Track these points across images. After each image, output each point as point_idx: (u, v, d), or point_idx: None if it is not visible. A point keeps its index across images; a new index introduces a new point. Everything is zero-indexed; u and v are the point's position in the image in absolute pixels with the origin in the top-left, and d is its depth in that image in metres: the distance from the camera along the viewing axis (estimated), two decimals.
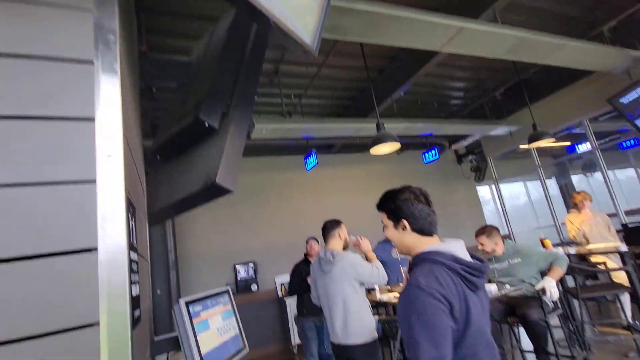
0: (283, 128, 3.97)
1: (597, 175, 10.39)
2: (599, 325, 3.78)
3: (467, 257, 1.04)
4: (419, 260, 1.05)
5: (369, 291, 2.82)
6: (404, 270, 3.32)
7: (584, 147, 7.63)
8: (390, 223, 1.17)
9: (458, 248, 1.05)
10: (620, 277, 3.49)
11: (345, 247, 2.36)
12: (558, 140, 8.19)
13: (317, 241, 3.56)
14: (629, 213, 5.18)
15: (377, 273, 2.18)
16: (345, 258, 2.18)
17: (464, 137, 6.31)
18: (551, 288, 2.42)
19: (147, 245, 1.70)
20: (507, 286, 2.35)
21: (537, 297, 2.47)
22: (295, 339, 5.11)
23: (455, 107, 6.24)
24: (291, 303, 5.20)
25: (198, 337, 1.36)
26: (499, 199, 6.70)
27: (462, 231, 7.42)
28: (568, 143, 8.43)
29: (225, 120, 1.53)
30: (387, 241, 3.88)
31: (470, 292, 0.96)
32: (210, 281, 5.30)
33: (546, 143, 4.08)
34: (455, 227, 7.45)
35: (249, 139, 4.51)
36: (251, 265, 5.52)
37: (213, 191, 1.41)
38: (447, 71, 4.79)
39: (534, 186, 10.42)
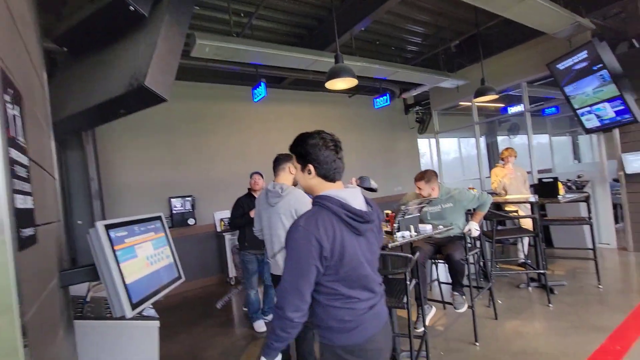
0: (230, 48, 3.49)
1: (519, 138, 11.62)
2: (502, 263, 4.43)
3: (358, 204, 1.12)
4: (313, 203, 1.13)
5: None
6: None
7: (516, 109, 8.30)
8: (298, 166, 1.22)
9: (350, 195, 1.12)
10: (526, 224, 4.03)
11: (295, 184, 2.26)
12: (493, 101, 8.78)
13: (262, 176, 3.45)
14: (539, 172, 5.88)
15: None
16: (293, 193, 2.09)
17: (415, 86, 6.34)
18: (474, 230, 2.72)
19: (52, 160, 1.38)
20: (441, 227, 2.50)
21: (462, 239, 2.72)
22: (232, 272, 5.18)
23: (410, 54, 6.14)
24: (230, 238, 5.16)
25: (121, 266, 1.18)
26: (437, 152, 7.10)
27: (400, 178, 7.87)
28: (502, 105, 9.08)
29: (159, 7, 1.19)
30: None
31: (354, 235, 1.09)
32: (142, 214, 4.92)
33: (489, 98, 4.26)
34: (395, 173, 7.85)
35: (190, 58, 3.93)
36: (188, 199, 5.23)
37: (141, 96, 1.13)
38: (409, 11, 4.57)
39: (465, 143, 11.30)
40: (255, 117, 5.99)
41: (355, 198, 1.13)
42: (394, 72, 4.81)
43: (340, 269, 1.06)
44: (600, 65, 4.11)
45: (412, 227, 2.26)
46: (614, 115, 4.30)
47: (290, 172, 2.22)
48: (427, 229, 2.34)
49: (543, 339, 2.58)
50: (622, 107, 4.16)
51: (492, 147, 10.86)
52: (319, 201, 1.11)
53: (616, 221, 4.93)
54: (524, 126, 5.64)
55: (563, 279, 3.74)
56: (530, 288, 3.61)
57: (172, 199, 5.09)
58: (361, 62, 4.35)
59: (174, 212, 5.10)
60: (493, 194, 4.45)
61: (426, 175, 2.85)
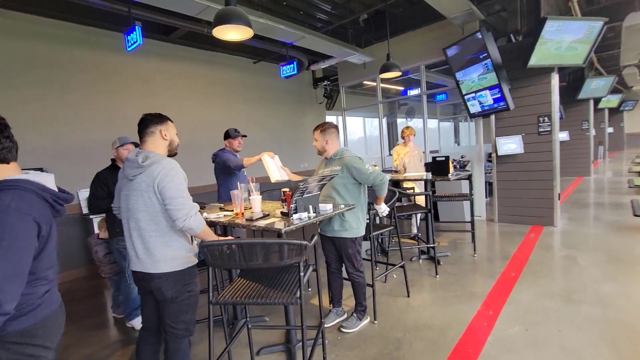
0: None
1: (414, 121, 12.70)
2: (395, 237, 4.66)
3: (55, 188, 1.14)
4: (3, 188, 1.03)
5: None
6: None
7: (414, 92, 8.86)
8: None
9: (48, 180, 1.14)
10: (420, 200, 4.26)
11: (171, 154, 1.73)
12: (395, 83, 9.24)
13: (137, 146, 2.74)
14: (430, 152, 6.39)
15: (184, 203, 1.56)
16: (159, 163, 1.57)
17: (323, 58, 6.09)
18: (385, 210, 2.55)
19: None
20: (328, 207, 2.17)
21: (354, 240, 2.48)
22: None
23: (319, 22, 5.82)
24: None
25: None
26: (343, 129, 7.10)
27: (307, 154, 7.70)
28: (402, 88, 9.63)
29: None
30: None
31: (53, 217, 1.13)
32: None
33: (393, 75, 4.26)
34: (301, 149, 7.63)
35: None
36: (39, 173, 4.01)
37: None
38: None
39: (369, 124, 11.81)
40: (135, 75, 4.91)
41: (52, 183, 1.14)
42: (301, 37, 4.41)
43: (45, 250, 1.09)
44: (485, 53, 4.46)
45: (311, 207, 1.99)
46: (492, 102, 4.78)
47: (162, 137, 1.68)
48: (327, 208, 2.10)
49: (431, 310, 2.69)
50: (498, 95, 4.64)
51: (392, 128, 11.61)
52: (17, 184, 1.03)
53: (485, 196, 5.70)
54: (420, 110, 5.99)
55: (447, 250, 4.09)
56: (420, 261, 3.84)
57: None
58: (264, 20, 3.82)
59: None
60: (393, 170, 4.58)
61: (324, 126, 2.47)
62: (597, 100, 10.35)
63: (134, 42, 3.44)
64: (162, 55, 5.21)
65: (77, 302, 3.52)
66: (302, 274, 1.53)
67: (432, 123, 13.81)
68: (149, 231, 1.58)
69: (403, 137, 4.37)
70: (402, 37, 5.75)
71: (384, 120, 11.05)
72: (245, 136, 3.39)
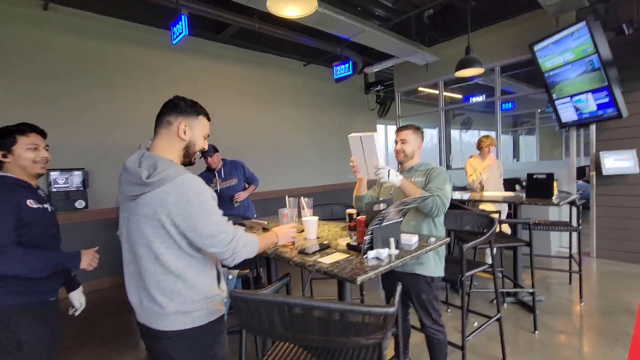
0: None
1: (469, 133, 11.58)
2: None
3: None
4: None
5: None
6: None
7: (477, 100, 7.94)
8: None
9: None
10: (504, 227, 3.44)
11: (185, 163, 1.20)
12: (453, 90, 8.34)
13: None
14: None
15: (227, 237, 1.08)
16: (175, 182, 1.03)
17: (378, 60, 5.50)
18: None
19: None
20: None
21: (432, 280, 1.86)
22: None
23: (377, 19, 5.24)
24: None
25: None
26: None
27: (348, 165, 7.08)
28: (460, 95, 8.70)
29: None
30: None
31: None
32: None
33: (474, 72, 3.53)
34: (348, 160, 7.02)
35: None
36: (77, 173, 3.83)
37: None
38: None
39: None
40: (183, 73, 4.67)
41: None
42: (360, 30, 3.86)
43: None
44: (592, 49, 3.58)
45: (392, 240, 1.37)
46: (595, 108, 3.85)
47: (179, 133, 1.14)
48: (412, 242, 1.47)
49: None
50: (606, 100, 3.71)
51: (445, 139, 10.62)
52: None
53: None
54: (483, 121, 5.16)
55: (537, 291, 3.22)
56: (505, 305, 3.02)
57: (51, 172, 3.67)
58: (322, 8, 3.32)
59: (54, 190, 3.69)
60: (466, 188, 3.82)
61: (413, 127, 1.90)
62: None
63: (180, 34, 3.11)
64: (212, 55, 4.95)
65: (108, 312, 3.19)
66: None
67: (483, 134, 12.58)
68: (154, 274, 1.06)
69: (480, 148, 3.59)
70: (473, 35, 4.98)
71: (436, 132, 10.16)
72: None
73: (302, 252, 1.44)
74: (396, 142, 1.94)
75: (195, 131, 1.17)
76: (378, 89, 7.17)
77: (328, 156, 6.59)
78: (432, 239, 1.54)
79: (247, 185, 3.33)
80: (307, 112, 6.24)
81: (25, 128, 1.40)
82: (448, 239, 1.61)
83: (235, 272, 1.59)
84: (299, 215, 1.80)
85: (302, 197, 1.89)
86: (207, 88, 4.91)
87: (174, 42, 3.27)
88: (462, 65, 3.50)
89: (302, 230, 1.79)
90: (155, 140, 1.14)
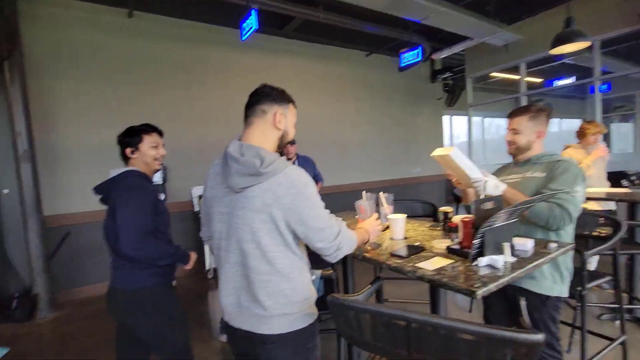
0: None
1: (553, 122, 10.28)
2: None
3: None
4: None
5: None
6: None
7: (566, 82, 6.98)
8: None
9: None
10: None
11: (284, 152, 1.16)
12: (533, 74, 7.41)
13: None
14: None
15: (332, 231, 1.00)
16: (285, 173, 0.97)
17: (447, 44, 5.05)
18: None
19: None
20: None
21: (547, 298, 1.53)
22: (212, 263, 4.16)
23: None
24: None
25: None
26: (468, 129, 5.88)
27: (419, 158, 6.69)
28: (539, 80, 7.72)
29: None
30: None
31: None
32: (92, 183, 3.84)
33: (578, 47, 3.01)
34: (415, 151, 6.65)
35: None
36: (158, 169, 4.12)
37: None
38: None
39: (486, 123, 9.93)
40: (250, 69, 4.76)
41: None
42: (434, 11, 3.54)
43: None
44: None
45: (506, 245, 1.15)
46: None
47: (275, 124, 1.08)
48: (528, 247, 1.22)
49: None
50: None
51: None
52: None
53: None
54: (560, 108, 4.42)
55: None
56: (617, 322, 2.54)
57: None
58: None
59: None
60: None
61: (530, 109, 1.53)
62: None
63: (250, 29, 3.12)
64: (275, 50, 4.99)
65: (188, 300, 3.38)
66: None
67: (566, 124, 11.04)
68: (260, 273, 1.00)
69: (583, 137, 3.05)
70: (563, 7, 4.31)
71: (505, 122, 9.18)
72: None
73: (393, 254, 1.29)
74: (508, 130, 1.62)
75: (288, 120, 1.11)
76: (446, 77, 6.65)
77: (390, 148, 6.30)
78: (553, 245, 1.27)
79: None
80: (370, 104, 6.02)
81: (148, 128, 1.53)
82: (574, 244, 1.31)
83: (319, 272, 1.49)
84: (379, 212, 1.64)
85: (380, 193, 1.73)
86: (273, 83, 4.96)
87: (243, 38, 3.31)
88: (560, 40, 2.99)
89: (385, 228, 1.64)
90: (248, 130, 1.08)
